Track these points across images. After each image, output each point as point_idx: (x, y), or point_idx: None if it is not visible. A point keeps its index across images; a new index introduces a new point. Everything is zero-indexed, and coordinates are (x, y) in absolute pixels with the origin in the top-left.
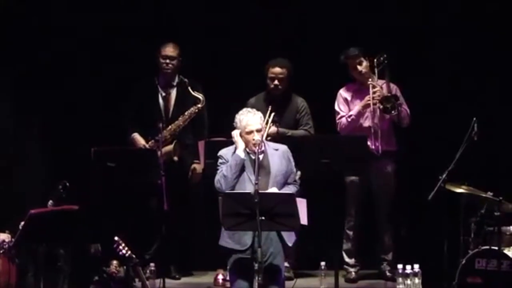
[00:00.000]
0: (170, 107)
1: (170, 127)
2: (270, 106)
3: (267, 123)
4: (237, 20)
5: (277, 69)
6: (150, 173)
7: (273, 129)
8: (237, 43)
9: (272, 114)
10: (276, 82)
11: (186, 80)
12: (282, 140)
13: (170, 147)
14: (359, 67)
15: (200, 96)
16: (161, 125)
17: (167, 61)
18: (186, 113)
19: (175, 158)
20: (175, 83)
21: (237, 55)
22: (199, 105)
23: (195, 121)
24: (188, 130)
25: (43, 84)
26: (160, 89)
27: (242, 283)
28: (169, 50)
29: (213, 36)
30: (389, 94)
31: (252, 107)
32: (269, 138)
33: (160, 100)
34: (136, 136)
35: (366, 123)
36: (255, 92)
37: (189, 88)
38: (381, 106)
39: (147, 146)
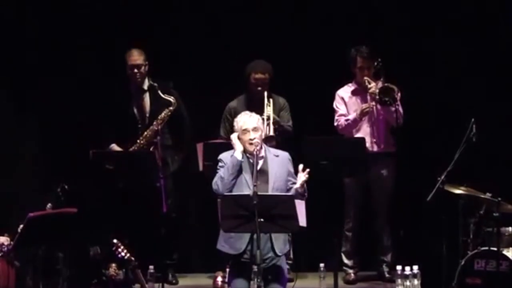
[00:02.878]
0: (146, 113)
1: (145, 133)
2: (265, 93)
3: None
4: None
5: (260, 75)
6: (149, 175)
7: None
8: (232, 44)
9: (271, 100)
10: (259, 88)
11: (155, 84)
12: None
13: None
14: (366, 71)
15: (170, 98)
16: (158, 128)
17: (135, 70)
18: (159, 118)
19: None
20: (146, 87)
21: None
22: (171, 108)
23: (174, 122)
24: (166, 131)
25: (42, 84)
26: (133, 96)
27: (241, 286)
28: (134, 58)
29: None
30: (387, 85)
31: (234, 109)
32: (269, 121)
33: (134, 107)
34: (114, 147)
35: (365, 125)
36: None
37: (159, 92)
38: (377, 97)
39: None
